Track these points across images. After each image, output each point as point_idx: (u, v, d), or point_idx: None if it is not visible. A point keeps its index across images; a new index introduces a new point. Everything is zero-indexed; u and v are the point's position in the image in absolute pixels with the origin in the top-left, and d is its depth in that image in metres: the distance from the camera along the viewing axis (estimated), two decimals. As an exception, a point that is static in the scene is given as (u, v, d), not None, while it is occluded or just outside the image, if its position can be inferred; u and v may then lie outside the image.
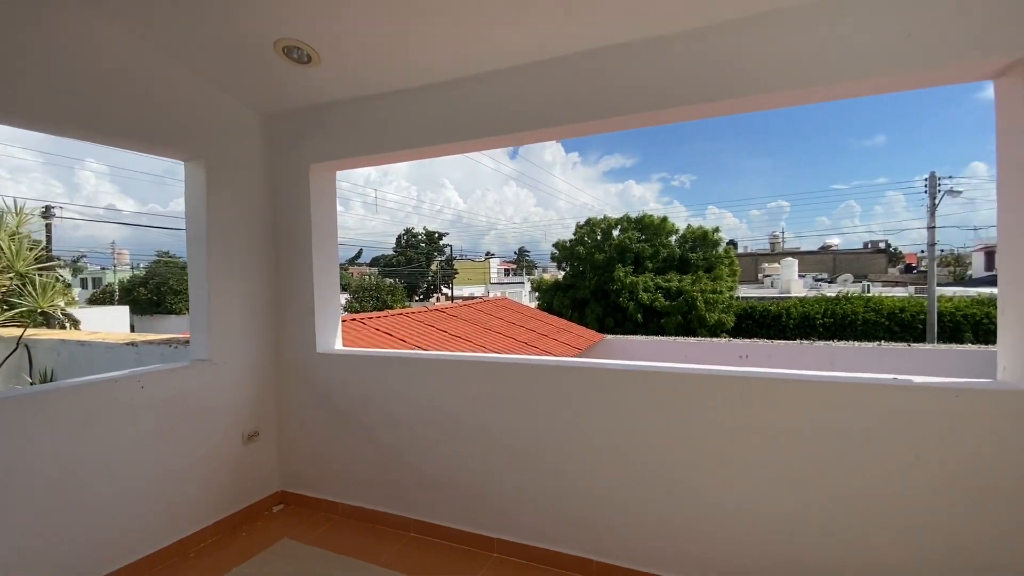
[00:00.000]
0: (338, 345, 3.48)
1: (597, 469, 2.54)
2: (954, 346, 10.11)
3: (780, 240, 43.19)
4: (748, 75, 2.18)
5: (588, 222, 21.79)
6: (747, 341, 11.49)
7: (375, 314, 8.44)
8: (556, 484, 2.64)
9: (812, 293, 21.46)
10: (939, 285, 16.71)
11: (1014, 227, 1.90)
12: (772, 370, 2.30)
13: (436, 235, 50.93)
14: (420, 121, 2.91)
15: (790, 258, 26.02)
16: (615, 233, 21.00)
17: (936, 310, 15.49)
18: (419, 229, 52.37)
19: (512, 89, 2.66)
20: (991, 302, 14.93)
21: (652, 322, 18.49)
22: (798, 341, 12.11)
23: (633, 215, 21.19)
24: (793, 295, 21.06)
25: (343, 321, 7.24)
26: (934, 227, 18.77)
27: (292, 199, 3.34)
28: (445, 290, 43.84)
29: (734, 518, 2.29)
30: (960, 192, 19.30)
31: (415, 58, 2.64)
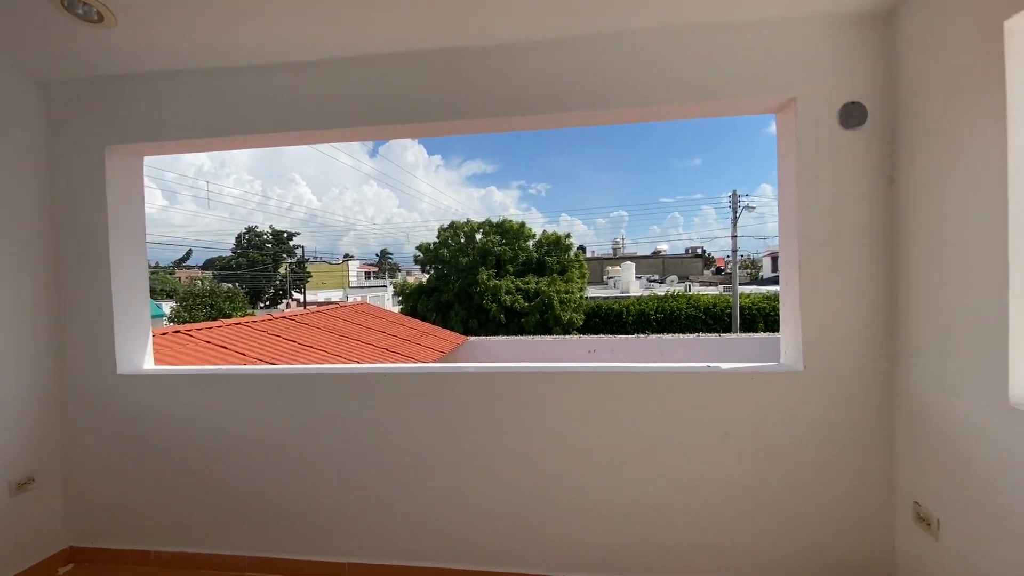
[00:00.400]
0: (147, 364, 2.91)
1: (457, 478, 2.50)
2: (752, 335, 12.22)
3: (621, 246, 48.38)
4: (587, 91, 2.33)
5: (452, 225, 21.86)
6: (595, 337, 12.55)
7: (208, 324, 7.36)
8: (417, 499, 2.53)
9: (646, 292, 24.34)
10: (740, 284, 20.16)
11: (791, 235, 2.32)
12: (608, 364, 2.50)
13: (285, 234, 46.67)
14: (252, 105, 2.58)
15: (629, 262, 29.26)
16: (478, 237, 21.40)
17: (739, 305, 18.66)
18: (264, 227, 47.46)
19: (361, 79, 2.50)
20: (776, 298, 18.46)
21: (513, 322, 19.22)
22: (636, 335, 13.54)
23: (495, 220, 21.81)
24: (632, 294, 23.66)
25: (163, 334, 6.17)
26: (736, 236, 22.62)
27: (81, 188, 2.71)
28: (297, 295, 40.31)
29: (594, 505, 2.43)
30: (754, 208, 23.58)
31: (242, 32, 2.33)
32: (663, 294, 21.35)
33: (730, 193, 22.86)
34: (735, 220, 22.55)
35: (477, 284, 19.42)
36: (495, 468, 2.48)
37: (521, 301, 19.03)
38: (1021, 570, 1.59)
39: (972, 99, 1.72)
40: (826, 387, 2.25)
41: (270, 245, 45.79)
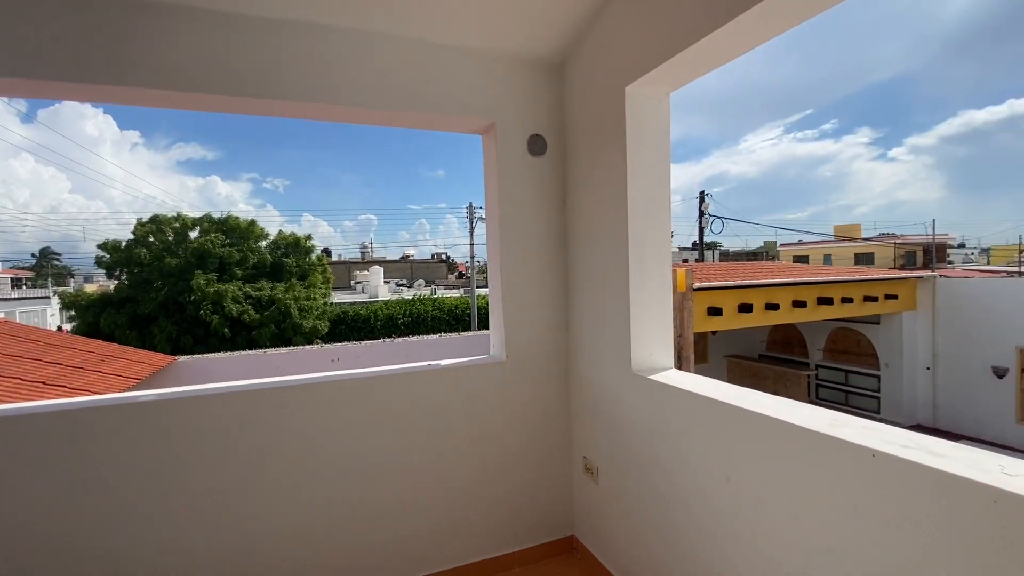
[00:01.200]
0: None
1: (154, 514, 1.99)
2: (484, 332, 13.54)
3: (370, 250, 47.61)
4: (292, 79, 2.18)
5: (155, 219, 17.71)
6: (338, 345, 11.97)
7: None
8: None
9: (395, 297, 24.60)
10: (478, 287, 22.29)
11: (495, 245, 2.64)
12: (336, 373, 2.40)
13: None
14: None
15: (377, 266, 29.05)
16: (193, 235, 17.89)
17: (476, 306, 20.57)
18: None
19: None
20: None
21: (242, 335, 16.73)
22: (382, 340, 13.49)
23: (217, 215, 18.64)
24: (380, 299, 23.52)
25: None
26: (473, 244, 24.90)
27: None
28: None
29: (339, 513, 2.25)
30: (483, 217, 26.35)
31: None
32: (411, 298, 21.91)
33: (468, 205, 25.06)
34: (472, 229, 24.81)
35: (191, 292, 16.23)
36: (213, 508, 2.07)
37: (252, 311, 16.72)
38: (647, 500, 2.16)
39: (607, 142, 2.27)
40: (523, 373, 2.64)
41: None
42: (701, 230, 19.67)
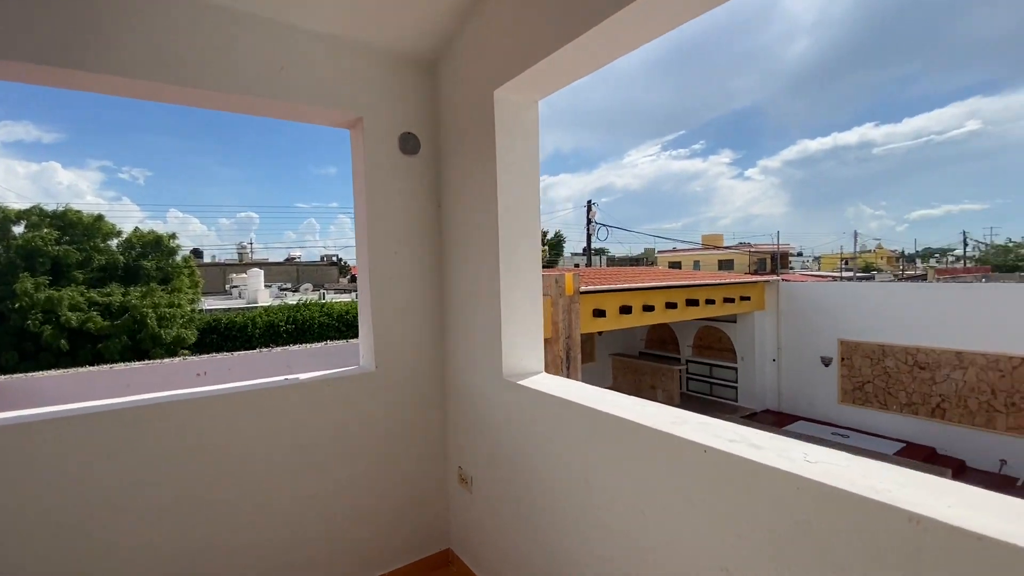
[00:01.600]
0: None
1: None
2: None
3: (249, 251, 43.44)
4: (126, 53, 1.85)
5: (-41, 210, 14.51)
6: (205, 357, 10.71)
7: None
8: None
9: (277, 302, 22.69)
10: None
11: (364, 246, 2.47)
12: (186, 392, 2.08)
13: None
14: None
15: (257, 269, 26.54)
16: (18, 230, 14.96)
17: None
18: None
19: None
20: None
21: (86, 348, 14.30)
22: (258, 349, 12.34)
23: (52, 207, 15.77)
24: (260, 304, 21.54)
25: None
26: (367, 246, 23.87)
27: None
28: None
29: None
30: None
31: None
32: (295, 303, 20.35)
33: (360, 204, 23.97)
34: (365, 230, 23.76)
35: (15, 298, 13.56)
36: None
37: (98, 319, 14.38)
38: (518, 507, 2.14)
39: (478, 146, 2.23)
40: (395, 384, 2.50)
41: None
42: (589, 236, 20.80)
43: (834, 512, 1.05)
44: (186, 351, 15.64)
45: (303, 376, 2.32)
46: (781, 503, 1.14)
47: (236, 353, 11.57)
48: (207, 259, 41.81)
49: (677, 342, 14.38)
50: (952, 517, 0.90)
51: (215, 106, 2.18)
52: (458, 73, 2.38)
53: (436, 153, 2.59)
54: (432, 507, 2.64)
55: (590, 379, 13.64)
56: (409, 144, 2.51)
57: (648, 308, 9.84)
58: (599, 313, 9.15)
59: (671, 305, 10.28)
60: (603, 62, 1.86)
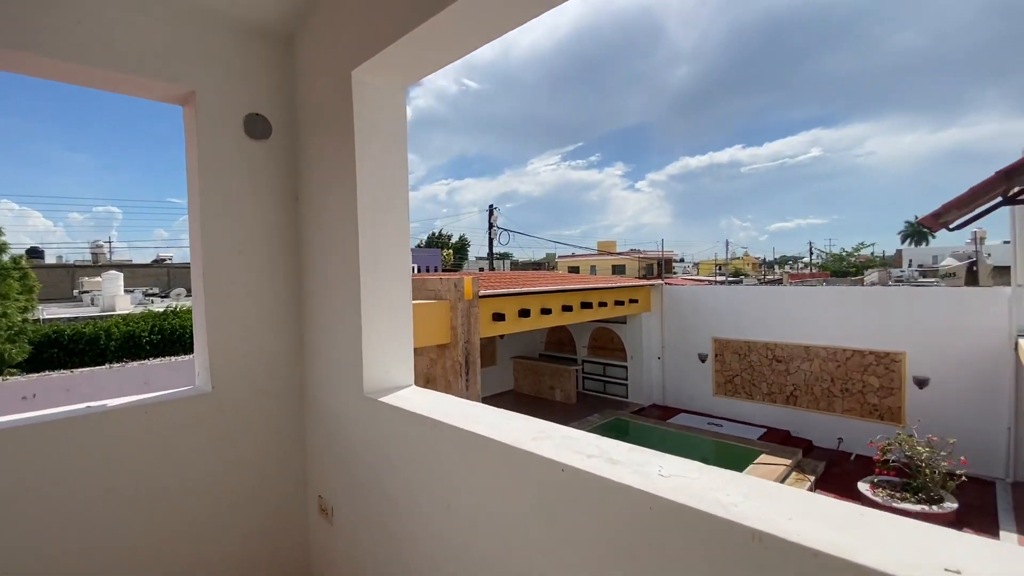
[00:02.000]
0: None
1: None
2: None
3: (106, 251, 37.59)
4: None
5: None
6: (37, 376, 8.99)
7: None
8: None
9: (141, 309, 19.87)
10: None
11: (197, 244, 2.10)
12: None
13: None
14: None
15: (114, 271, 22.98)
16: None
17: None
18: None
19: None
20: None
21: None
22: (107, 365, 10.65)
23: None
24: (118, 312, 18.69)
25: None
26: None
27: None
28: None
29: None
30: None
31: None
32: (162, 310, 17.94)
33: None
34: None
35: None
36: None
37: None
38: (380, 537, 1.91)
39: (335, 132, 1.98)
40: (240, 405, 2.15)
41: None
42: (491, 241, 20.89)
43: (685, 531, 0.98)
44: (13, 370, 13.09)
45: (111, 403, 1.89)
46: (636, 523, 1.06)
47: (79, 371, 9.89)
48: (51, 259, 35.64)
49: (574, 343, 14.89)
50: (791, 532, 0.86)
51: (22, 70, 1.71)
52: (314, 51, 2.11)
53: (293, 140, 2.28)
54: (291, 542, 2.31)
55: (491, 382, 13.69)
56: (258, 128, 2.17)
57: (546, 311, 10.01)
58: (499, 317, 9.12)
59: (567, 308, 10.57)
60: (468, 47, 1.72)
